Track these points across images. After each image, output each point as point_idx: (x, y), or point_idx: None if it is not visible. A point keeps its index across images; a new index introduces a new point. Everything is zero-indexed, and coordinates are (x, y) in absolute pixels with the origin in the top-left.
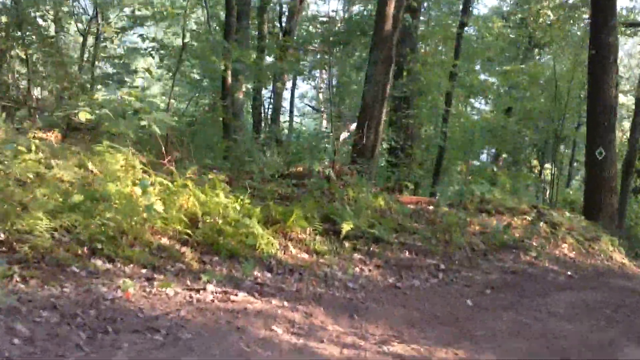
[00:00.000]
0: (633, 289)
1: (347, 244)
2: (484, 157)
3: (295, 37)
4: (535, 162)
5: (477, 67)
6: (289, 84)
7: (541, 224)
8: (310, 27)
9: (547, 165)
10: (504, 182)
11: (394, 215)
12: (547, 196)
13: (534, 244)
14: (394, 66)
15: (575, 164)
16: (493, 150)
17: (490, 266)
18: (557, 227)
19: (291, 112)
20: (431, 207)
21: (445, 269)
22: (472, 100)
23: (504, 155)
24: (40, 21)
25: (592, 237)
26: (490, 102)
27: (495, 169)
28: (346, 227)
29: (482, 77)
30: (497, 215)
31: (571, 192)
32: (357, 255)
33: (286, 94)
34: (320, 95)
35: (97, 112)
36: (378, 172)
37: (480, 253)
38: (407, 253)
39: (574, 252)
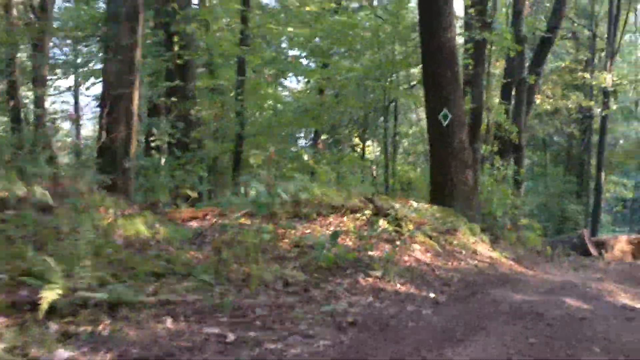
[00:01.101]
0: (538, 312)
1: (53, 326)
2: (303, 142)
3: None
4: (356, 140)
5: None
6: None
7: (381, 222)
8: None
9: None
10: (322, 174)
11: (162, 247)
12: (379, 180)
13: (376, 254)
14: (146, 24)
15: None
16: (312, 135)
17: (313, 317)
18: (402, 223)
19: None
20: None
21: (236, 339)
22: (282, 80)
23: (324, 137)
24: None
25: (448, 228)
26: (303, 80)
27: (307, 158)
28: (48, 295)
29: (291, 53)
30: (320, 220)
31: (409, 171)
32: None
33: None
34: None
35: None
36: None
37: (299, 289)
38: (169, 321)
39: (429, 255)
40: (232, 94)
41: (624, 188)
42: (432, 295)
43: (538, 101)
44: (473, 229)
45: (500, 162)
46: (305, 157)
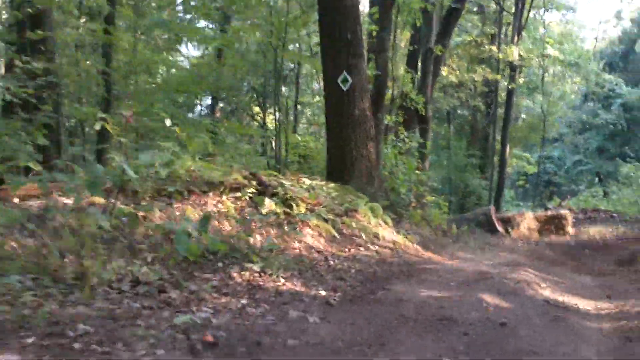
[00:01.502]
0: (451, 317)
1: None
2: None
3: None
4: (257, 109)
5: None
6: None
7: (267, 202)
8: None
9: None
10: (190, 142)
11: None
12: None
13: (258, 242)
14: None
15: (298, 106)
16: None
17: (159, 334)
18: (292, 203)
19: None
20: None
21: None
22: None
23: (221, 105)
24: None
25: (347, 209)
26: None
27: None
28: None
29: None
30: (193, 200)
31: (310, 142)
32: None
33: None
34: None
35: None
36: None
37: (152, 291)
38: None
39: (323, 241)
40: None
41: (527, 162)
42: (322, 293)
43: (444, 73)
44: (375, 209)
45: (405, 133)
46: (168, 123)
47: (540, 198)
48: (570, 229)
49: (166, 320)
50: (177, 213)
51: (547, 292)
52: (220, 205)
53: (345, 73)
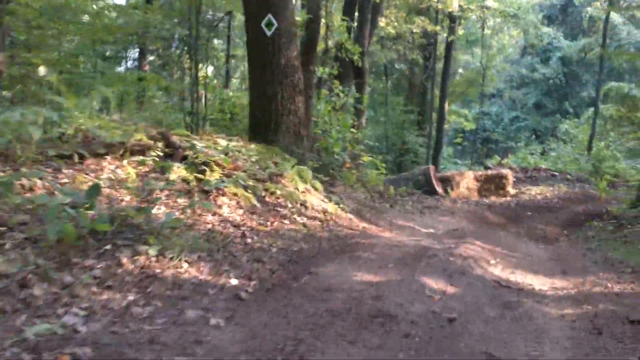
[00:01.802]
0: (389, 312)
1: None
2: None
3: None
4: (188, 63)
5: None
6: None
7: (176, 167)
8: None
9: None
10: (68, 97)
11: None
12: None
13: (160, 217)
14: None
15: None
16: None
17: (5, 350)
18: (206, 168)
19: None
20: None
21: None
22: None
23: (151, 58)
24: None
25: (271, 174)
26: None
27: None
28: None
29: None
30: (87, 165)
31: (242, 98)
32: None
33: None
34: None
35: None
36: None
37: (11, 285)
38: None
39: (241, 213)
40: None
41: (465, 119)
42: (234, 282)
43: (382, 24)
44: (303, 172)
45: (340, 88)
46: (42, 72)
47: (478, 155)
48: (511, 189)
49: (17, 331)
50: (65, 181)
51: (497, 270)
52: (119, 171)
53: (270, 16)
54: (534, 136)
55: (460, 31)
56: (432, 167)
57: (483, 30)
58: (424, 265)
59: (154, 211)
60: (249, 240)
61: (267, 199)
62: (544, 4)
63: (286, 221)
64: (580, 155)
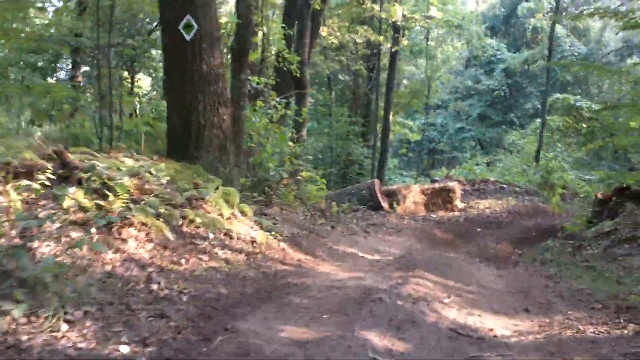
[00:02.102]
0: None
1: None
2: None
3: None
4: (125, 74)
5: None
6: None
7: (72, 192)
8: None
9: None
10: None
11: None
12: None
13: (40, 260)
14: None
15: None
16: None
17: None
18: (108, 194)
19: None
20: None
21: None
22: None
23: (85, 69)
24: None
25: (190, 198)
26: None
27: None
28: None
29: None
30: None
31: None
32: None
33: None
34: None
35: None
36: None
37: None
38: None
39: (151, 248)
40: None
41: (410, 130)
42: (124, 349)
43: (324, 33)
44: (230, 195)
45: (277, 99)
46: None
47: (423, 166)
48: (459, 203)
49: None
50: None
51: (452, 312)
52: (0, 198)
53: (189, 17)
54: (479, 146)
55: (404, 41)
56: (377, 182)
57: (427, 40)
58: (366, 314)
59: (38, 251)
60: (154, 287)
61: (184, 228)
62: (487, 15)
63: (205, 257)
64: (527, 167)
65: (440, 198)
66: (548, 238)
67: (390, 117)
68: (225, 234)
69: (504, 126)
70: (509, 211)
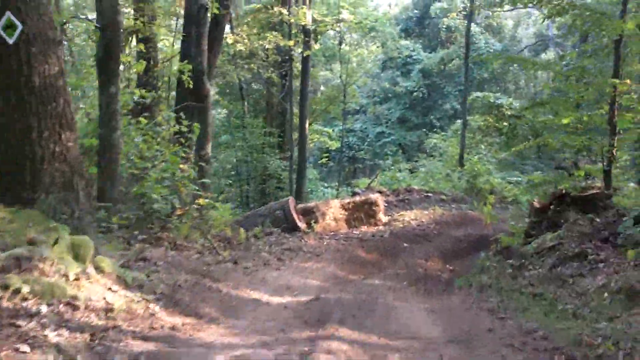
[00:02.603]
0: None
1: None
2: None
3: None
4: None
5: None
6: None
7: None
8: None
9: None
10: None
11: None
12: None
13: None
14: None
15: None
16: None
17: None
18: None
19: None
20: None
21: None
22: None
23: None
24: None
25: (17, 257)
26: None
27: None
28: None
29: None
30: None
31: None
32: None
33: None
34: None
35: None
36: None
37: None
38: None
39: None
40: None
41: (329, 138)
42: None
43: (230, 41)
44: (81, 246)
45: (165, 115)
46: None
47: (345, 175)
48: (382, 216)
49: None
50: None
51: None
52: None
53: (9, 14)
54: (400, 151)
55: (315, 46)
56: (291, 200)
57: (340, 44)
58: None
59: None
60: None
61: (2, 303)
62: (400, 17)
63: (25, 347)
64: (452, 172)
65: (362, 212)
66: (480, 249)
67: (307, 125)
68: (67, 304)
69: (424, 129)
70: (436, 222)
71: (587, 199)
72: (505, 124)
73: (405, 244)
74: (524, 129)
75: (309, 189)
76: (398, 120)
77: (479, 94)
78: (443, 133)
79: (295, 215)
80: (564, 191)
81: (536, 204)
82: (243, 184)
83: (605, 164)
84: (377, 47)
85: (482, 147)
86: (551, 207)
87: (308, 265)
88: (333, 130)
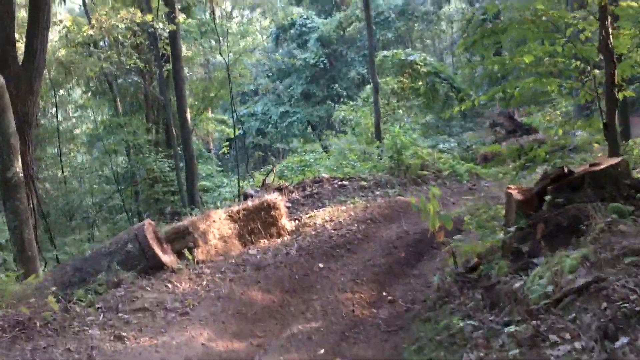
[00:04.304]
0: None
1: None
2: None
3: None
4: None
5: None
6: None
7: None
8: None
9: None
10: None
11: None
12: None
13: None
14: None
15: None
16: None
17: None
18: None
19: None
20: None
21: None
22: None
23: None
24: None
25: None
26: None
27: None
28: None
29: None
30: None
31: None
32: None
33: None
34: None
35: None
36: None
37: None
38: None
39: None
40: None
41: (225, 125)
42: None
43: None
44: None
45: None
46: None
47: (252, 165)
48: (286, 223)
49: None
50: None
51: None
52: None
53: None
54: (309, 128)
55: (181, 17)
56: (147, 224)
57: (213, 15)
58: None
59: None
60: None
61: None
62: None
63: None
64: (370, 147)
65: (259, 221)
66: (423, 257)
67: (188, 115)
68: None
69: (329, 101)
70: (358, 220)
71: (602, 176)
72: (421, 83)
73: (320, 264)
74: (443, 86)
75: (209, 184)
76: (302, 95)
77: (386, 52)
78: (352, 102)
79: (156, 247)
80: (565, 169)
81: (516, 195)
82: (128, 193)
83: (606, 114)
84: (266, 18)
85: (401, 112)
86: (545, 198)
87: (165, 340)
88: (229, 117)
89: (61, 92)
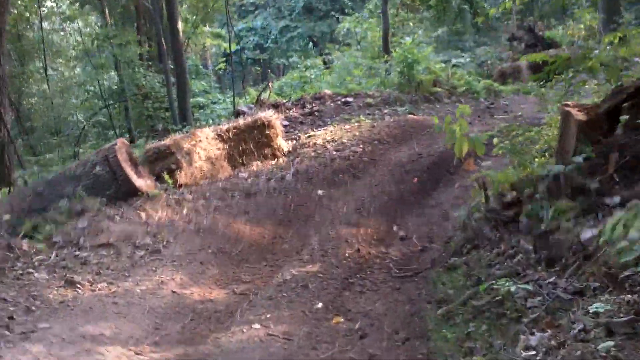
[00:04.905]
0: None
1: None
2: None
3: None
4: None
5: None
6: None
7: None
8: None
9: None
10: None
11: None
12: None
13: None
14: None
15: None
16: None
17: None
18: None
19: None
20: None
21: None
22: None
23: None
24: None
25: None
26: None
27: None
28: None
29: None
30: None
31: None
32: None
33: None
34: None
35: None
36: None
37: None
38: None
39: None
40: None
41: (222, 40)
42: None
43: None
44: None
45: None
46: None
47: (250, 82)
48: (282, 143)
49: None
50: None
51: None
52: None
53: None
54: (311, 44)
55: None
56: (119, 143)
57: None
58: None
59: None
60: None
61: None
62: None
63: None
64: (377, 62)
65: (251, 141)
66: (440, 182)
67: (179, 27)
68: None
69: (335, 15)
70: (364, 140)
71: None
72: None
73: (319, 192)
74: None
75: (202, 101)
76: (303, 9)
77: None
78: (357, 14)
79: (129, 170)
80: None
81: (577, 114)
82: (118, 109)
83: None
84: None
85: (411, 24)
86: (620, 118)
87: (128, 287)
88: (225, 31)
89: (49, 3)
